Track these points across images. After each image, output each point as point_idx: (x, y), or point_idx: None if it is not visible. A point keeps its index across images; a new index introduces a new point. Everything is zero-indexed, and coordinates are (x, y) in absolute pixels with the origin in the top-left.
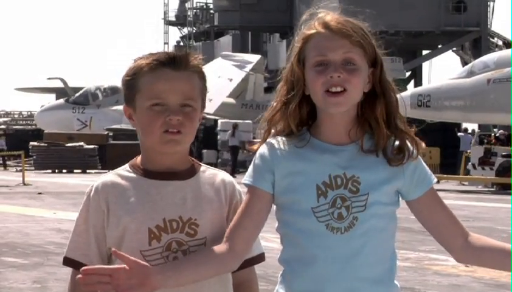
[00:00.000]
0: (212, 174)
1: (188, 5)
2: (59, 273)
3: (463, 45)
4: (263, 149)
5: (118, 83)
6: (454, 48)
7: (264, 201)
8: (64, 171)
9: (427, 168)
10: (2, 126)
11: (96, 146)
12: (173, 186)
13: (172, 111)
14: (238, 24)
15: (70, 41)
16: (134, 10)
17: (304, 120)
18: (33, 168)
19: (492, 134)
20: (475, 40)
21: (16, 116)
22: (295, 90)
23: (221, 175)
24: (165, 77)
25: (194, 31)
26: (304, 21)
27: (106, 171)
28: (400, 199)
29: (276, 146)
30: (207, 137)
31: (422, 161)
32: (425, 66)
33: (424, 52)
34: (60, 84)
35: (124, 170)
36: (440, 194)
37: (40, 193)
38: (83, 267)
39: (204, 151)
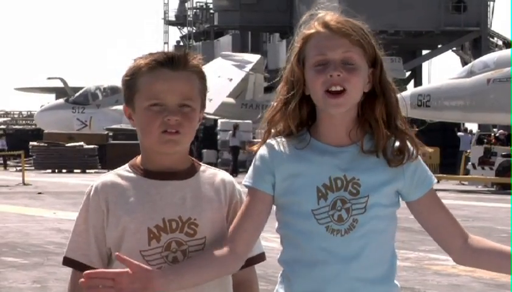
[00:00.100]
0: (212, 174)
1: (188, 4)
2: (59, 273)
3: (462, 45)
4: (263, 150)
5: (118, 82)
6: (454, 48)
7: (265, 203)
8: (64, 171)
9: (427, 169)
10: (2, 126)
11: (96, 146)
12: (173, 186)
13: (170, 111)
14: (238, 24)
15: (70, 41)
16: (134, 9)
17: (304, 120)
18: (33, 168)
19: (492, 134)
20: (475, 40)
21: (15, 116)
22: (294, 90)
23: (221, 175)
24: (164, 77)
25: (194, 31)
26: (304, 22)
27: (106, 171)
28: (400, 199)
29: (277, 147)
30: (206, 137)
31: (423, 162)
32: (425, 65)
33: (424, 52)
34: (60, 84)
35: (124, 170)
36: (440, 194)
37: (40, 193)
38: (86, 271)
39: (204, 150)
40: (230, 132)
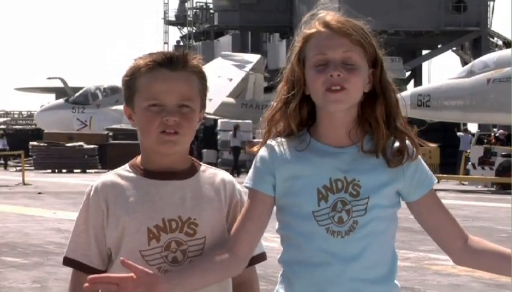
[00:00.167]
0: (212, 173)
1: (188, 4)
2: (59, 273)
3: (462, 45)
4: (264, 151)
5: (118, 82)
6: (454, 48)
7: (266, 204)
8: (64, 171)
9: (427, 169)
10: (2, 126)
11: (96, 146)
12: (172, 186)
13: (169, 112)
14: (238, 24)
15: (70, 41)
16: (134, 9)
17: (304, 120)
18: (32, 168)
19: (492, 134)
20: (475, 40)
21: (15, 116)
22: (295, 90)
23: (221, 175)
24: (162, 78)
25: (194, 31)
26: (305, 22)
27: (106, 171)
28: (400, 199)
29: (277, 148)
30: (206, 136)
31: (423, 162)
32: (425, 65)
33: (424, 52)
34: (60, 84)
35: (124, 169)
36: (440, 194)
37: (40, 193)
38: (90, 276)
39: (204, 150)
40: (231, 132)
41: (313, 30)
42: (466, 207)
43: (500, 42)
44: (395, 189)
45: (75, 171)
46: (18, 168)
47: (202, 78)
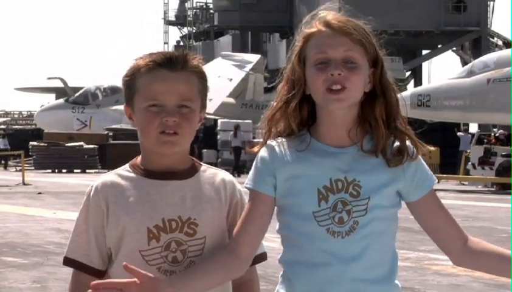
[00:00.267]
0: (212, 173)
1: (188, 4)
2: (59, 273)
3: (462, 45)
4: (264, 152)
5: (118, 82)
6: (454, 48)
7: (267, 205)
8: (64, 171)
9: (428, 169)
10: (2, 126)
11: (96, 146)
12: (172, 186)
13: (168, 112)
14: (238, 24)
15: (70, 41)
16: (134, 9)
17: (304, 120)
18: (32, 168)
19: (492, 134)
20: (475, 40)
21: (15, 116)
22: (295, 90)
23: (221, 175)
24: (162, 78)
25: (194, 31)
26: (306, 23)
27: (106, 171)
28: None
29: (277, 149)
30: (207, 136)
31: (424, 162)
32: (425, 65)
33: (424, 52)
34: (60, 84)
35: (124, 169)
36: (440, 194)
37: (40, 193)
38: (93, 282)
39: (204, 150)
40: (231, 133)
41: (314, 29)
42: (466, 207)
43: (500, 42)
44: (395, 189)
45: (75, 171)
46: (18, 168)
47: (202, 78)
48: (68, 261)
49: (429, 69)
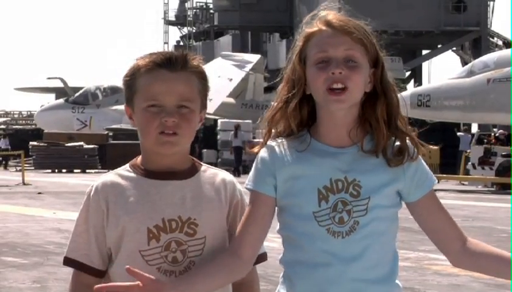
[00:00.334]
0: (213, 173)
1: (188, 4)
2: (59, 273)
3: (462, 45)
4: (264, 152)
5: (118, 82)
6: (454, 48)
7: (268, 205)
8: (64, 171)
9: (428, 170)
10: (2, 126)
11: (96, 146)
12: (172, 186)
13: (168, 113)
14: (238, 24)
15: (70, 41)
16: (134, 9)
17: (304, 120)
18: (32, 167)
19: (492, 134)
20: (475, 40)
21: (15, 116)
22: (295, 89)
23: (222, 175)
24: (162, 78)
25: (194, 31)
26: (306, 23)
27: (106, 171)
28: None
29: (277, 149)
30: (207, 136)
31: (424, 163)
32: (425, 65)
33: (424, 52)
34: (60, 84)
35: (125, 169)
36: (440, 194)
37: (40, 193)
38: (96, 286)
39: (204, 150)
40: (232, 132)
41: (315, 29)
42: (466, 207)
43: (500, 42)
44: (396, 189)
45: (75, 171)
46: (18, 168)
47: (202, 78)
48: (68, 261)
49: (429, 69)
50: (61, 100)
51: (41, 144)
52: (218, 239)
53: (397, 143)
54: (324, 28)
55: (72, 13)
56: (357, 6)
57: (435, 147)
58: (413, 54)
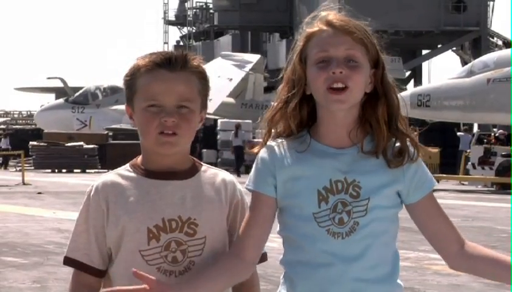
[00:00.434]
0: (213, 174)
1: (187, 4)
2: (59, 273)
3: (462, 45)
4: (264, 153)
5: (118, 82)
6: (454, 48)
7: (269, 206)
8: (64, 170)
9: (428, 171)
10: (2, 126)
11: (96, 145)
12: (172, 186)
13: (167, 113)
14: (238, 24)
15: (70, 41)
16: (134, 9)
17: (304, 120)
18: (32, 167)
19: (492, 134)
20: (474, 40)
21: (15, 116)
22: (295, 89)
23: (222, 175)
24: (161, 78)
25: (193, 31)
26: (307, 23)
27: (106, 170)
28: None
29: (277, 150)
30: (207, 136)
31: (424, 165)
32: (425, 65)
33: (424, 52)
34: (60, 84)
35: (125, 169)
36: (440, 194)
37: (40, 193)
38: (102, 290)
39: (204, 150)
40: (233, 132)
41: (315, 29)
42: (466, 207)
43: (500, 42)
44: (395, 190)
45: (75, 171)
46: (18, 168)
47: (202, 78)
48: (68, 261)
49: (429, 69)
50: (61, 100)
51: (40, 144)
52: (218, 239)
53: (398, 144)
54: (325, 28)
55: (72, 13)
56: (357, 6)
57: (435, 150)
58: (413, 54)
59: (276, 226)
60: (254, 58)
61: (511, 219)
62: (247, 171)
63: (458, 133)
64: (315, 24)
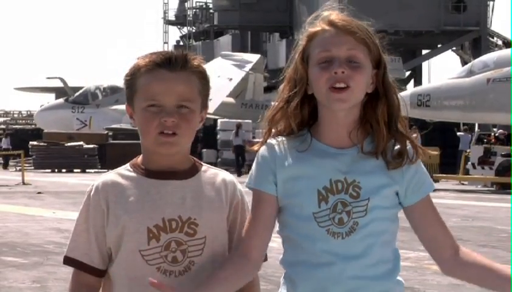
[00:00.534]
0: (213, 174)
1: (187, 4)
2: (59, 273)
3: (462, 45)
4: (264, 151)
5: (118, 82)
6: (454, 48)
7: (272, 205)
8: (64, 170)
9: (427, 175)
10: (2, 126)
11: (95, 145)
12: (173, 185)
13: (167, 113)
14: (238, 24)
15: (70, 41)
16: (134, 9)
17: (305, 120)
18: (32, 167)
19: (492, 134)
20: (474, 40)
21: (15, 116)
22: (297, 89)
23: (222, 175)
24: (161, 78)
25: (193, 30)
26: (309, 23)
27: (106, 170)
28: None
29: (277, 148)
30: (206, 136)
31: (423, 168)
32: (425, 65)
33: (424, 52)
34: (60, 84)
35: (125, 169)
36: (440, 193)
37: (40, 193)
38: None
39: (204, 150)
40: (233, 131)
41: (318, 28)
42: (466, 207)
43: (499, 42)
44: (394, 190)
45: (75, 170)
46: (18, 168)
47: (203, 78)
48: (68, 261)
49: (429, 68)
50: (61, 100)
51: (40, 144)
52: (218, 239)
53: (397, 146)
54: (327, 27)
55: (72, 12)
56: (357, 6)
57: (435, 152)
58: (413, 54)
59: (275, 226)
60: (254, 57)
61: (511, 219)
62: (248, 172)
63: (458, 133)
64: (318, 24)
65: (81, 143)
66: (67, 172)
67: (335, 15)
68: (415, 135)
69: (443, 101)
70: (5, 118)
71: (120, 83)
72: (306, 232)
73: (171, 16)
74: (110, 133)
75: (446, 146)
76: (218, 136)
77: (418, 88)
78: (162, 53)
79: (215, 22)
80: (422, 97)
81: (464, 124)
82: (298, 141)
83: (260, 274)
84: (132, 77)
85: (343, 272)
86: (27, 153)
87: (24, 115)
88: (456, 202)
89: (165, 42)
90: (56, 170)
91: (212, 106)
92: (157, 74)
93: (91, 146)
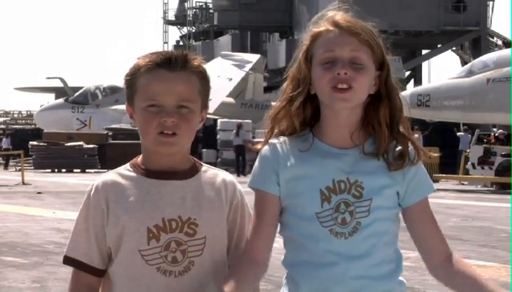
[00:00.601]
0: (213, 174)
1: (187, 4)
2: (58, 272)
3: (462, 45)
4: (267, 151)
5: (117, 82)
6: (454, 48)
7: (275, 205)
8: (64, 170)
9: (427, 177)
10: (2, 126)
11: (95, 145)
12: (173, 185)
13: (167, 113)
14: (238, 24)
15: (70, 41)
16: (134, 9)
17: (307, 119)
18: (32, 167)
19: (492, 134)
20: (474, 40)
21: (15, 115)
22: (300, 88)
23: (222, 175)
24: (161, 78)
25: (193, 30)
26: (314, 23)
27: (106, 170)
28: None
29: (279, 148)
30: (206, 136)
31: (424, 170)
32: (425, 65)
33: (424, 52)
34: (59, 84)
35: (125, 169)
36: (440, 193)
37: (39, 193)
38: None
39: (204, 150)
40: (234, 131)
41: (322, 28)
42: (465, 207)
43: (499, 42)
44: (396, 190)
45: (75, 170)
46: (18, 168)
47: (203, 78)
48: (68, 260)
49: (429, 68)
50: (61, 100)
51: (40, 144)
52: (218, 239)
53: (399, 147)
54: (331, 28)
55: (72, 12)
56: (357, 6)
57: (436, 154)
58: (413, 54)
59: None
60: (254, 57)
61: (511, 219)
62: (250, 172)
63: (458, 133)
64: (322, 24)
65: (81, 143)
66: (67, 172)
67: (340, 16)
68: (416, 135)
69: (443, 101)
70: (5, 118)
71: (120, 83)
72: (309, 232)
73: (171, 16)
74: (110, 133)
75: (445, 146)
76: (218, 136)
77: (418, 88)
78: (162, 53)
79: (215, 22)
80: (422, 97)
81: (464, 124)
82: (300, 141)
83: None
84: (132, 77)
85: (346, 272)
86: (26, 153)
87: (24, 115)
88: (456, 202)
89: (165, 42)
90: (56, 170)
91: (212, 106)
92: (157, 74)
93: (91, 146)
